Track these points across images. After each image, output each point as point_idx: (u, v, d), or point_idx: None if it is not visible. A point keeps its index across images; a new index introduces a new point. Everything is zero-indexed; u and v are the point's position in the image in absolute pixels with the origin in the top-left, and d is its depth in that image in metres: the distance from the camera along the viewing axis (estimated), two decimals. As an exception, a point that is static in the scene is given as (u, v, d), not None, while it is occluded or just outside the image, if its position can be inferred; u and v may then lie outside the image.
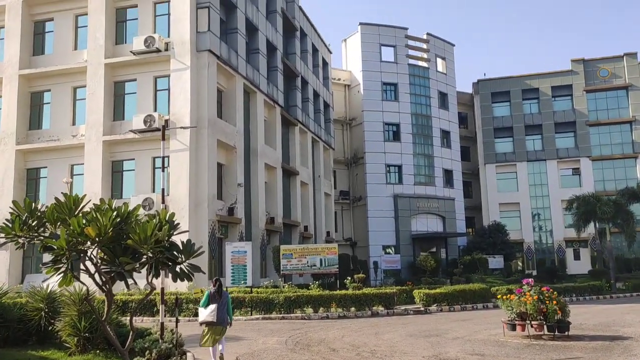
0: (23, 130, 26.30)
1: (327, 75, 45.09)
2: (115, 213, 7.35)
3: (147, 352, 9.03)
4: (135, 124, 24.03)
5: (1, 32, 27.55)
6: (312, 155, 40.16)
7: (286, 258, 22.46)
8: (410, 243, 46.19)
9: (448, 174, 49.77)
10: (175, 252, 7.78)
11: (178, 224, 8.33)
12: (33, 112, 26.76)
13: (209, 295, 9.89)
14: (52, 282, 20.55)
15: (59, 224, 7.54)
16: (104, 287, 7.62)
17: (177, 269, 7.78)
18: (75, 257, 7.32)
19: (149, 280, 7.61)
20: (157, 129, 23.92)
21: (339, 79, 49.63)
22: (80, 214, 7.41)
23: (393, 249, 46.10)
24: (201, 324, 9.87)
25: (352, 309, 18.71)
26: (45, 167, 25.97)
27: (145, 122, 23.85)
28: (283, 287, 20.86)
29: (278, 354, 10.76)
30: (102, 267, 7.45)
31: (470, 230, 53.17)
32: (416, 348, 11.17)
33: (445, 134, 50.17)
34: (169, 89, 24.74)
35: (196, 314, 17.31)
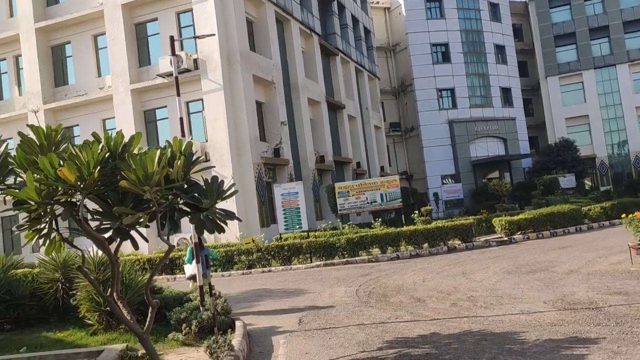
0: (49, 88, 24.63)
1: (365, -1, 41.23)
2: (102, 145, 5.09)
3: (185, 324, 7.03)
4: (161, 67, 21.81)
5: (11, -15, 25.54)
6: (357, 86, 37.17)
7: (343, 196, 20.22)
8: (471, 170, 43.15)
9: (506, 93, 45.68)
10: (197, 195, 5.54)
11: (200, 157, 6.08)
12: (56, 67, 24.97)
13: (192, 250, 10.20)
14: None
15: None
16: (105, 250, 5.50)
17: (201, 216, 5.54)
18: (61, 212, 5.20)
19: (161, 235, 5.42)
20: (187, 70, 21.69)
21: (377, 2, 45.64)
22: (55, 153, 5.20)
23: (452, 178, 43.25)
24: (189, 278, 10.67)
25: (425, 245, 16.42)
26: (77, 125, 24.35)
27: (172, 63, 21.53)
28: (342, 228, 18.74)
29: (351, 310, 8.62)
30: (98, 222, 5.30)
31: (533, 150, 49.28)
32: (526, 290, 8.77)
33: (500, 49, 45.70)
34: (193, 24, 22.24)
35: (250, 267, 15.48)
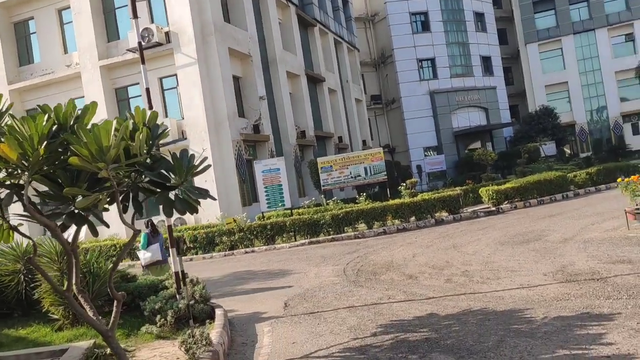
0: (13, 67, 23.39)
1: (342, -33, 39.98)
2: (47, 116, 4.38)
3: (160, 315, 6.42)
4: (131, 41, 20.75)
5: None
6: (337, 59, 36.26)
7: (326, 171, 19.60)
8: (453, 141, 42.80)
9: (486, 61, 45.13)
10: (164, 172, 4.88)
11: (166, 129, 5.42)
12: (20, 45, 23.68)
13: (147, 236, 9.79)
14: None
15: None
16: (58, 239, 4.83)
17: (171, 196, 4.89)
18: (3, 197, 4.51)
19: (123, 218, 4.77)
20: (158, 44, 20.67)
21: (355, -29, 44.35)
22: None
23: (435, 150, 42.92)
24: (146, 266, 9.77)
25: (412, 219, 15.96)
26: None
27: (143, 37, 20.53)
28: (327, 204, 18.18)
29: (339, 291, 8.10)
30: (47, 205, 4.61)
31: (514, 120, 49.11)
32: (522, 262, 8.32)
33: (479, 17, 44.99)
34: (163, -5, 21.15)
35: (232, 248, 14.89)
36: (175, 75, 21.03)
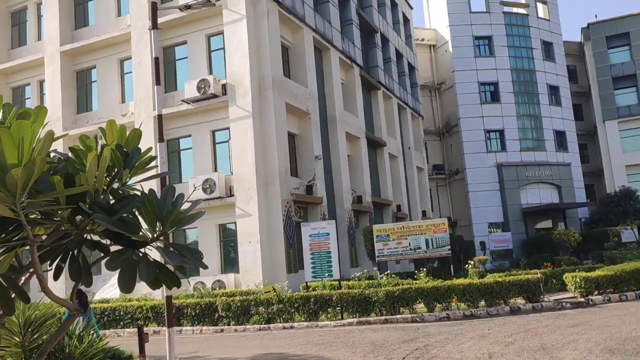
0: (70, 114, 23.24)
1: (410, 34, 39.44)
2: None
3: None
4: (187, 92, 20.06)
5: (40, 8, 24.63)
6: (400, 124, 34.81)
7: (382, 241, 17.53)
8: (521, 218, 39.71)
9: (560, 136, 42.49)
10: (128, 217, 3.11)
11: (151, 157, 3.73)
12: (80, 93, 23.63)
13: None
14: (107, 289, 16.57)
15: None
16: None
17: (134, 257, 3.08)
18: None
19: (47, 292, 2.97)
20: (214, 95, 19.84)
21: (423, 39, 43.79)
22: None
23: (501, 226, 39.86)
24: None
25: (481, 303, 13.47)
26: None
27: (199, 88, 19.81)
28: (380, 278, 15.97)
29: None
30: None
31: (589, 200, 45.42)
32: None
33: (554, 90, 42.84)
34: (223, 47, 20.53)
35: (268, 320, 12.88)
36: (228, 128, 19.98)
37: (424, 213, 36.26)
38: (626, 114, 44.50)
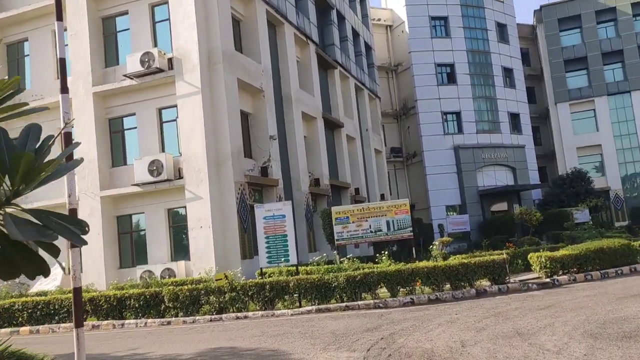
0: None
1: (366, 13, 38.49)
2: None
3: None
4: (130, 66, 18.50)
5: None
6: (357, 105, 33.98)
7: (341, 223, 16.67)
8: (478, 201, 39.84)
9: (515, 118, 42.78)
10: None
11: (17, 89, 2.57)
12: (11, 68, 21.59)
13: None
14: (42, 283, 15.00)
15: None
16: None
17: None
18: None
19: None
20: (159, 70, 18.37)
21: (379, 19, 43.05)
22: None
23: (458, 209, 39.87)
24: None
25: (447, 286, 12.81)
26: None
27: (142, 62, 18.29)
28: (340, 262, 15.13)
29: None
30: None
31: (540, 182, 46.12)
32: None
33: (508, 72, 43.02)
34: (169, 19, 19.01)
35: (220, 310, 11.82)
36: (176, 106, 18.58)
37: (382, 196, 35.70)
38: (577, 96, 45.23)
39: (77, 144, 2.80)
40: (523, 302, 10.89)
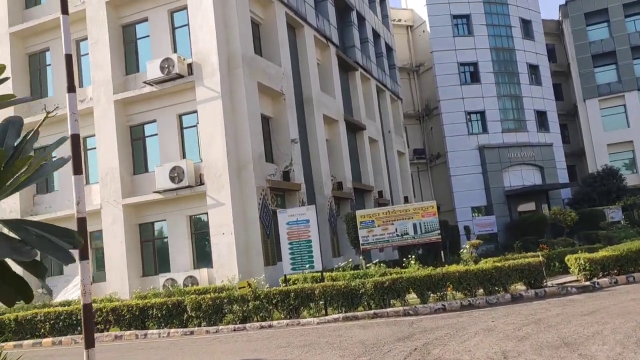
0: (23, 104, 21.26)
1: (386, 13, 38.02)
2: None
3: None
4: (150, 72, 18.36)
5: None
6: (379, 107, 33.46)
7: (366, 227, 16.18)
8: (504, 201, 38.86)
9: (541, 116, 41.68)
10: None
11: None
12: (33, 77, 21.69)
13: None
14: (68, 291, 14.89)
15: None
16: None
17: None
18: None
19: None
20: (179, 76, 18.18)
21: (399, 20, 42.46)
22: None
23: (484, 210, 38.96)
24: None
25: (480, 291, 12.22)
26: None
27: (162, 68, 18.13)
28: (367, 267, 14.63)
29: None
30: None
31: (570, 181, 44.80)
32: None
33: (534, 69, 41.98)
34: (188, 24, 18.82)
35: (244, 320, 11.45)
36: (196, 111, 18.36)
37: (405, 199, 35.09)
38: (606, 91, 43.92)
39: (64, 138, 2.40)
40: (564, 308, 10.25)
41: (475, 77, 40.18)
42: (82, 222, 5.08)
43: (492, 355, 6.96)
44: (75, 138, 5.41)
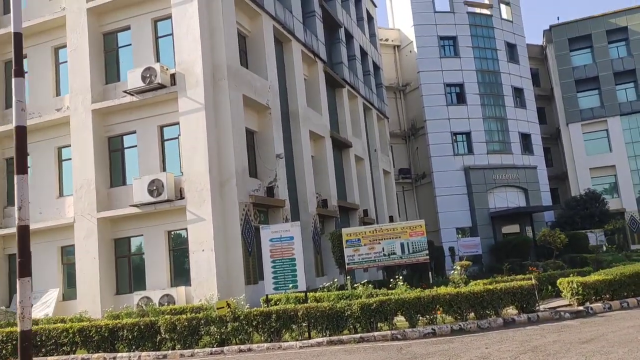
0: (-2, 110, 20.51)
1: (374, 32, 37.96)
2: None
3: None
4: (131, 82, 17.73)
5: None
6: (365, 125, 33.14)
7: (352, 246, 15.60)
8: (489, 223, 38.71)
9: (526, 139, 41.84)
10: None
11: None
12: (8, 85, 20.84)
13: None
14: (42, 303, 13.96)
15: None
16: None
17: None
18: None
19: None
20: (161, 86, 17.58)
21: (387, 39, 42.49)
22: None
23: (469, 231, 38.67)
24: None
25: (470, 315, 11.67)
26: (28, 155, 20.08)
27: (144, 78, 17.50)
28: (354, 287, 14.01)
29: None
30: None
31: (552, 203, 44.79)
32: None
33: (518, 92, 42.27)
34: (172, 33, 18.28)
35: (222, 343, 10.73)
36: (178, 123, 17.72)
37: (390, 218, 34.58)
38: (589, 116, 44.34)
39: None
40: (560, 335, 9.74)
41: (461, 98, 40.23)
42: (23, 231, 4.41)
43: (491, 387, 6.39)
44: (20, 131, 4.78)
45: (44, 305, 18.26)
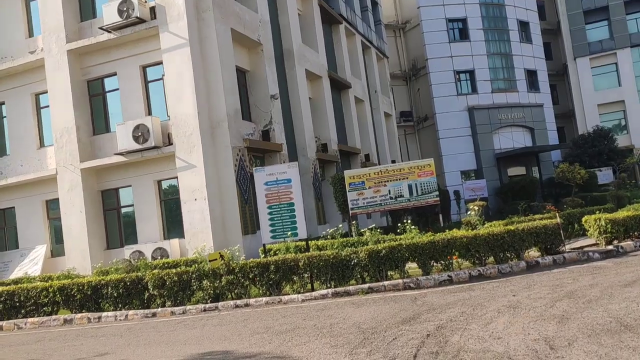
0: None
1: (370, -36, 35.44)
2: None
3: None
4: (107, 17, 16.07)
5: None
6: (365, 65, 31.37)
7: (356, 189, 14.40)
8: (495, 164, 37.39)
9: (532, 76, 39.93)
10: None
11: None
12: (-25, 28, 19.14)
13: None
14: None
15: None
16: None
17: None
18: None
19: None
20: (140, 20, 15.92)
21: (384, -27, 39.86)
22: None
23: (474, 174, 37.49)
24: None
25: (490, 259, 10.58)
26: (3, 103, 18.67)
27: (120, 12, 15.84)
28: (360, 234, 12.90)
29: None
30: None
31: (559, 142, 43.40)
32: None
33: (524, 26, 40.02)
34: (149, -39, 16.44)
35: (216, 298, 9.69)
36: (162, 62, 16.17)
37: (393, 162, 33.37)
38: (598, 49, 42.27)
39: None
40: (594, 277, 8.65)
41: (464, 34, 38.12)
42: None
43: (533, 345, 5.29)
44: None
45: (32, 263, 17.29)
